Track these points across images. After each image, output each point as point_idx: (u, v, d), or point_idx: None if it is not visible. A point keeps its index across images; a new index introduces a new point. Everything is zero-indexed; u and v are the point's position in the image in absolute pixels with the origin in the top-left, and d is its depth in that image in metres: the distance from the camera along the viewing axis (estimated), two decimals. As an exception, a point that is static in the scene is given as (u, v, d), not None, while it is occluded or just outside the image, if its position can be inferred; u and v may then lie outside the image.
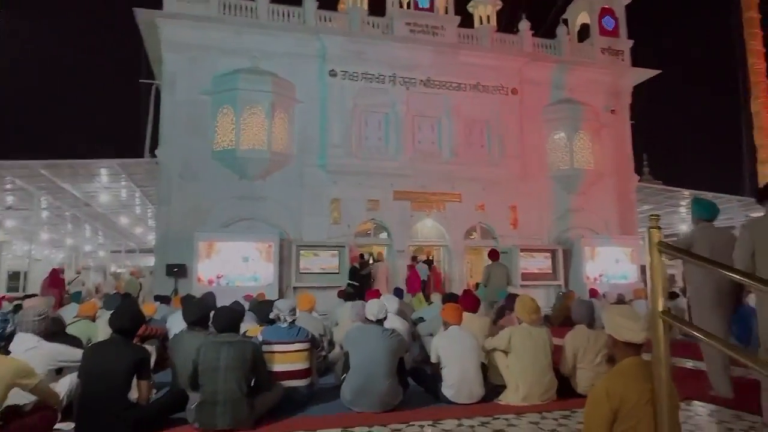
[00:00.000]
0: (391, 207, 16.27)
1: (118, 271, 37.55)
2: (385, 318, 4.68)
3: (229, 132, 14.88)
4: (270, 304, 5.45)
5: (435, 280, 15.86)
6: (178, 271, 13.89)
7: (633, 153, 19.31)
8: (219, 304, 10.47)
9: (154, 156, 15.29)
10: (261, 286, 13.33)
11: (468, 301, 5.69)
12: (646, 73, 19.32)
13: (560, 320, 11.99)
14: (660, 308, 2.49)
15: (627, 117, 19.36)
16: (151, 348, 4.97)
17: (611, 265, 16.80)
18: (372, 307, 4.61)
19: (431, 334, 5.96)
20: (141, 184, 18.61)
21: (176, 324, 6.70)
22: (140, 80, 16.53)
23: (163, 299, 9.44)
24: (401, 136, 16.45)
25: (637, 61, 19.47)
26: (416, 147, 16.67)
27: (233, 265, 13.87)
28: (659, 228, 2.59)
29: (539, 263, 16.84)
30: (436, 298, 8.33)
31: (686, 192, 20.94)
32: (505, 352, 4.66)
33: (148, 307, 6.70)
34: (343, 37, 16.16)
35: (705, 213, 5.01)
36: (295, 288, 14.55)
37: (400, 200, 16.39)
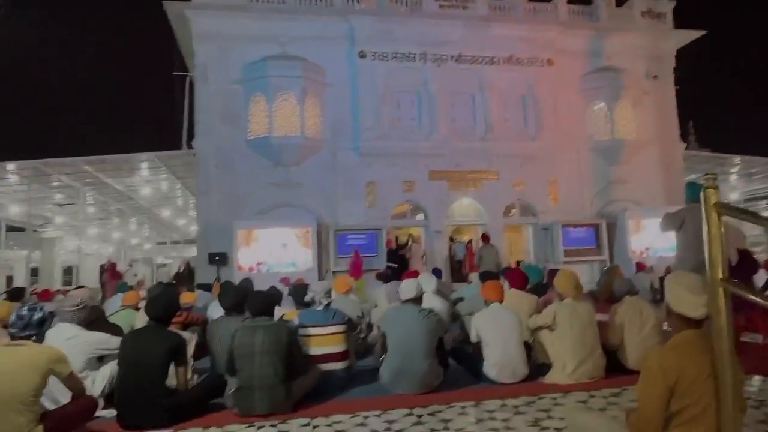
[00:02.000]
0: (427, 187, 16.06)
1: (165, 262, 38.88)
2: (421, 297, 4.55)
3: (262, 120, 14.92)
4: (306, 287, 5.40)
5: (470, 260, 15.61)
6: (219, 259, 14.11)
7: (678, 120, 18.45)
8: (259, 288, 10.61)
9: (191, 147, 15.51)
10: (300, 271, 13.41)
11: (515, 278, 5.48)
12: (690, 35, 18.35)
13: (606, 295, 11.60)
14: (720, 275, 2.28)
15: (671, 82, 18.46)
16: (191, 335, 5.00)
17: (658, 237, 16.11)
18: (407, 287, 4.49)
19: (471, 314, 5.80)
20: (181, 176, 18.97)
21: (216, 311, 6.76)
22: (174, 73, 16.77)
23: (205, 287, 9.59)
24: (434, 115, 16.16)
25: (680, 22, 18.50)
26: (450, 125, 16.36)
27: (272, 252, 14.00)
28: (717, 188, 2.36)
29: (582, 238, 16.36)
30: (474, 277, 8.13)
31: (737, 158, 19.95)
32: (551, 329, 4.47)
33: (188, 296, 6.77)
34: (371, 17, 15.92)
35: (697, 195, 5.07)
36: (334, 272, 14.58)
37: (436, 180, 16.15)
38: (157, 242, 35.93)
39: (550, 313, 4.37)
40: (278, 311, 5.26)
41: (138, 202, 22.86)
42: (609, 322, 4.71)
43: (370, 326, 6.20)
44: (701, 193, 2.39)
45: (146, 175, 18.26)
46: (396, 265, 14.26)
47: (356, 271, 13.66)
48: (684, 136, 19.87)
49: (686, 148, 18.91)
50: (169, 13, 15.17)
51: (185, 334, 4.98)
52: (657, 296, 9.75)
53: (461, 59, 16.55)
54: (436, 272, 8.50)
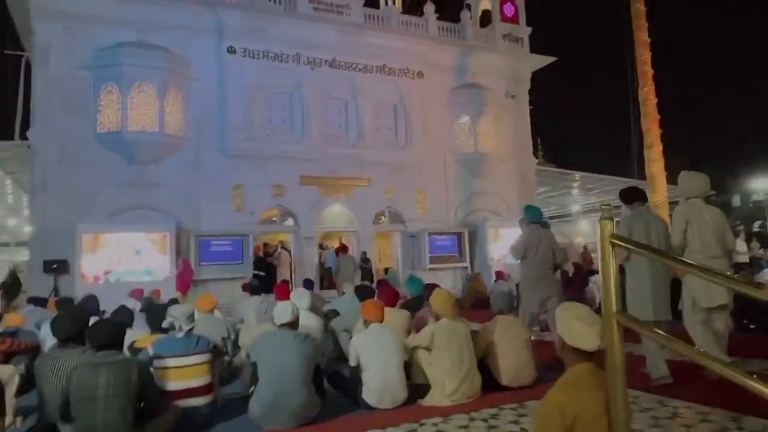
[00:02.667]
0: (298, 192, 15.61)
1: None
2: (297, 321, 4.19)
3: (114, 112, 13.41)
4: (164, 309, 4.75)
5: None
6: (57, 267, 12.38)
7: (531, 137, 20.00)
8: (107, 302, 9.38)
9: (25, 138, 13.45)
10: (156, 281, 12.23)
11: (386, 295, 5.33)
12: (544, 60, 20.00)
13: (469, 302, 12.12)
14: (614, 309, 2.25)
15: (526, 102, 19.96)
16: (14, 370, 4.13)
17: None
18: (282, 311, 4.10)
19: (346, 330, 5.57)
20: (12, 171, 16.47)
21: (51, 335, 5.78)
22: (4, 51, 14.44)
23: (38, 301, 8.24)
24: (307, 119, 15.77)
25: (536, 48, 20.10)
26: (323, 130, 16.08)
27: (123, 259, 12.62)
28: (612, 219, 2.34)
29: (446, 246, 17.02)
30: (348, 288, 7.90)
31: (578, 174, 22.12)
32: (428, 350, 4.37)
33: (13, 318, 5.66)
34: (242, 11, 15.10)
35: (535, 216, 6.61)
36: (194, 281, 13.56)
37: (307, 185, 15.77)
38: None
39: (428, 333, 4.26)
40: (129, 335, 4.57)
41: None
42: (482, 338, 4.72)
43: (236, 346, 5.67)
44: (598, 222, 2.37)
45: (-34, 168, 15.56)
46: (263, 273, 13.64)
47: (183, 284, 12.70)
48: (534, 152, 21.59)
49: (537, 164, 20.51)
50: (0, -18, 13.07)
51: (5, 369, 4.12)
52: (515, 303, 10.30)
53: (335, 64, 16.37)
54: (308, 284, 8.15)
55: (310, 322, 5.21)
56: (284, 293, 6.32)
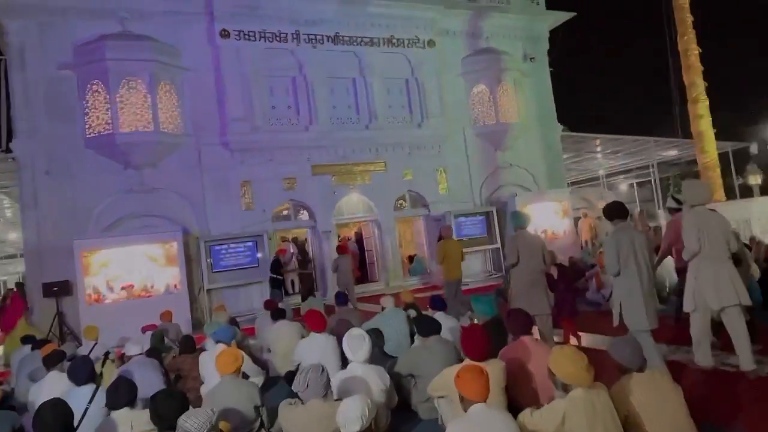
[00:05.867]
0: (311, 184, 14.39)
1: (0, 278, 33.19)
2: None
3: (103, 113, 12.16)
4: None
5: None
6: (58, 289, 11.27)
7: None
8: (116, 327, 8.25)
9: (9, 150, 12.24)
10: (164, 296, 11.15)
11: (473, 349, 3.64)
12: (562, 16, 18.42)
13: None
14: None
15: (546, 64, 18.46)
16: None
17: (547, 221, 16.01)
18: (351, 417, 2.84)
19: (412, 374, 4.36)
20: (3, 185, 15.35)
21: (47, 394, 4.67)
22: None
23: (34, 342, 7.09)
24: (313, 103, 14.45)
25: (552, 3, 18.52)
26: (331, 113, 14.77)
27: (128, 274, 11.49)
28: None
29: (474, 228, 15.77)
30: (388, 302, 6.59)
31: (606, 137, 20.65)
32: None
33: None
34: (232, -11, 13.65)
35: (522, 222, 6.69)
36: (208, 290, 12.47)
37: (320, 175, 14.52)
38: (-15, 259, 30.42)
39: (556, 414, 2.95)
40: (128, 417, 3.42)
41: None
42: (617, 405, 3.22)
43: (274, 413, 4.20)
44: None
45: (-48, 186, 14.44)
46: (281, 277, 12.55)
47: (8, 322, 10.89)
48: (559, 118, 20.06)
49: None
50: (-37, -22, 11.71)
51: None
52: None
53: (338, 40, 14.96)
54: (341, 298, 6.96)
55: (373, 380, 3.90)
56: (318, 323, 5.14)
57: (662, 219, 19.98)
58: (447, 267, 9.13)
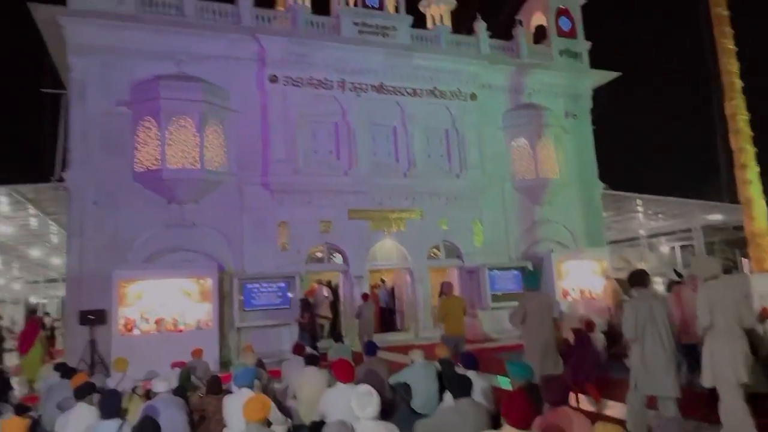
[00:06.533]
0: (347, 228, 14.46)
1: (41, 301, 34.29)
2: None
3: (153, 149, 12.64)
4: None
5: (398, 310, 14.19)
6: (94, 318, 11.47)
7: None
8: (146, 356, 8.29)
9: (62, 180, 12.77)
10: (194, 332, 11.20)
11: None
12: (606, 76, 18.46)
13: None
14: None
15: (588, 121, 18.40)
16: None
17: (584, 279, 15.57)
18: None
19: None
20: (52, 212, 15.95)
21: (74, 426, 4.66)
22: (41, 89, 13.94)
23: (66, 371, 7.11)
24: (354, 148, 14.70)
25: (596, 62, 18.61)
26: (371, 160, 14.97)
27: (161, 308, 11.62)
28: None
29: (509, 282, 15.43)
30: (417, 355, 6.42)
31: (648, 197, 20.22)
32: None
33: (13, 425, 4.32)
34: (284, 38, 14.25)
35: (533, 284, 7.40)
36: (239, 329, 12.49)
37: (356, 219, 14.61)
38: (28, 281, 31.45)
39: None
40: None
41: (0, 241, 19.26)
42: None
43: None
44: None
45: (6, 211, 15.08)
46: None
47: (24, 345, 11.43)
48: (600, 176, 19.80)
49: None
50: (38, 20, 12.58)
51: None
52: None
53: (382, 89, 15.32)
54: (371, 348, 6.81)
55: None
56: (346, 374, 5.02)
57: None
58: (448, 324, 9.14)
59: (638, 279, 5.59)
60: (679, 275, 7.01)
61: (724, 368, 4.82)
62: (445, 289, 9.82)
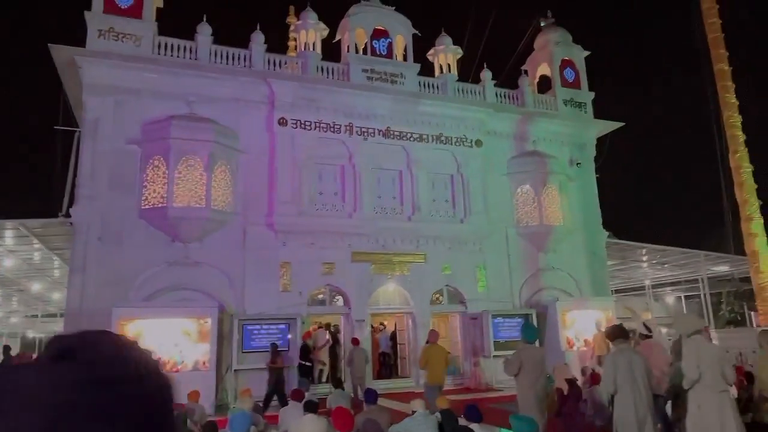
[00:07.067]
0: (349, 270, 14.40)
1: (38, 335, 34.05)
2: None
3: (160, 187, 12.77)
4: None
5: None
6: (90, 355, 11.29)
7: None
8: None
9: (68, 215, 12.85)
10: (191, 373, 11.00)
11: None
12: (610, 125, 18.70)
13: (554, 410, 10.26)
14: None
15: (592, 170, 18.53)
16: None
17: (588, 329, 15.32)
18: None
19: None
20: (56, 247, 15.98)
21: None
22: (55, 126, 14.21)
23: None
24: (359, 191, 14.80)
25: (600, 112, 18.89)
26: (376, 203, 15.04)
27: (159, 348, 11.43)
28: None
29: (512, 329, 15.19)
30: (418, 405, 6.27)
31: (653, 247, 20.14)
32: None
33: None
34: (294, 82, 14.59)
35: (531, 336, 6.96)
36: (236, 371, 12.27)
37: (359, 262, 14.56)
38: (26, 315, 31.27)
39: None
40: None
41: (2, 274, 19.24)
42: None
43: None
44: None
45: (10, 244, 15.14)
46: (309, 364, 12.28)
47: None
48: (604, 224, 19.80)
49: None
50: (56, 59, 12.97)
51: None
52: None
53: (389, 134, 15.54)
54: (371, 396, 6.67)
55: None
56: (345, 423, 4.91)
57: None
58: (430, 372, 9.33)
59: (617, 333, 5.81)
60: (649, 330, 7.29)
61: (713, 420, 4.97)
62: (429, 337, 10.10)
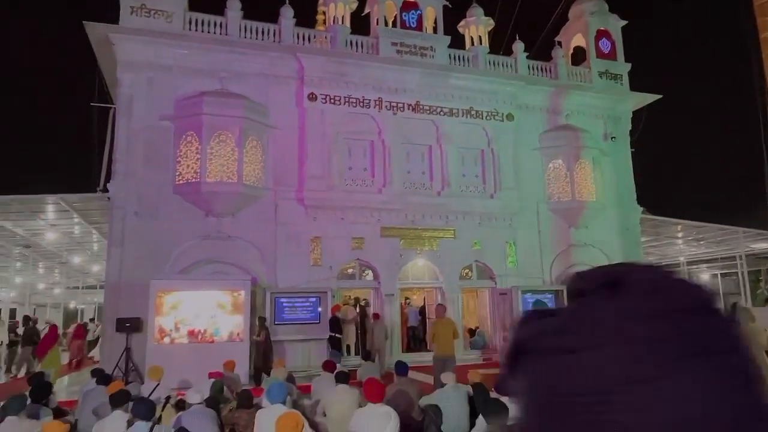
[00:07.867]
0: (379, 245, 14.48)
1: (80, 306, 35.40)
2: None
3: (193, 162, 12.99)
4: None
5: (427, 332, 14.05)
6: (130, 326, 11.72)
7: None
8: (178, 365, 8.45)
9: (106, 190, 13.20)
10: (226, 344, 11.33)
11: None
12: (647, 98, 18.13)
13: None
14: None
15: (627, 144, 18.07)
16: None
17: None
18: None
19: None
20: (95, 221, 16.46)
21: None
22: (91, 103, 14.53)
23: (102, 377, 7.29)
24: (388, 167, 14.78)
25: (637, 85, 18.31)
26: (405, 178, 15.01)
27: (195, 319, 11.81)
28: None
29: (542, 305, 15.14)
30: (449, 378, 6.38)
31: (690, 223, 19.63)
32: None
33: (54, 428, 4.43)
34: (323, 57, 14.53)
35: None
36: (274, 341, 12.55)
37: (389, 237, 14.62)
38: (69, 287, 32.44)
39: None
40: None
41: (45, 247, 19.98)
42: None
43: None
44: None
45: (52, 218, 15.66)
46: (340, 336, 12.49)
47: (42, 350, 12.39)
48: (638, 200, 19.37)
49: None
50: (91, 36, 13.17)
51: None
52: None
53: (419, 108, 15.40)
54: (401, 368, 6.77)
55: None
56: (376, 394, 5.00)
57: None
58: (437, 345, 9.75)
59: None
60: None
61: None
62: (436, 312, 10.48)
